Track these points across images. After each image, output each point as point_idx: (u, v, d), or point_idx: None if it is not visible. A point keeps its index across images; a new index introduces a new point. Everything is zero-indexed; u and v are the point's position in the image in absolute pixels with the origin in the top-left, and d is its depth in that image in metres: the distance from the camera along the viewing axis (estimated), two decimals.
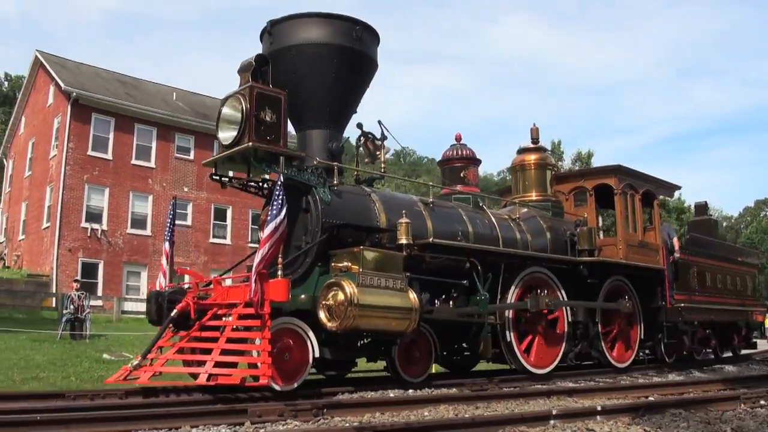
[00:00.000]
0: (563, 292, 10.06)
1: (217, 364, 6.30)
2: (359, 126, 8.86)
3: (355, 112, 8.81)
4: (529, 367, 9.31)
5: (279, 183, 6.57)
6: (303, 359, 6.84)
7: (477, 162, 10.41)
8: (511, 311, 9.22)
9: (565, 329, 9.98)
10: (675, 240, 12.48)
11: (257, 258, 6.25)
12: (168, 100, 31.47)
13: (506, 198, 11.56)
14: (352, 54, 8.16)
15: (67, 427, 4.73)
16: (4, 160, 36.63)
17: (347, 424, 5.14)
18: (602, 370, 10.45)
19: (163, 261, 7.92)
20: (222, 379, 6.25)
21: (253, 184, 8.23)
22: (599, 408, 5.84)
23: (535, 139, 11.74)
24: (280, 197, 6.47)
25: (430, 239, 8.14)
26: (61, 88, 27.38)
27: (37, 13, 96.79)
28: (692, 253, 13.10)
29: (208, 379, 6.29)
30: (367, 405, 6.03)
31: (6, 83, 53.11)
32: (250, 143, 7.11)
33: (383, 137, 8.89)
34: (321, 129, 8.20)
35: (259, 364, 6.16)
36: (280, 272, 6.39)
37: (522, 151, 11.67)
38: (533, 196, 11.21)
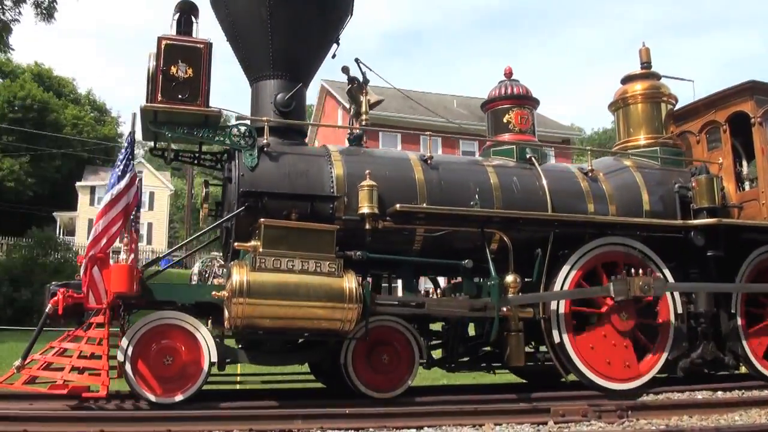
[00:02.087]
0: (667, 271, 6.97)
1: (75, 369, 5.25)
2: (344, 70, 7.11)
3: (332, 55, 7.08)
4: (597, 380, 6.56)
5: (125, 145, 5.26)
6: (194, 364, 5.44)
7: (530, 103, 7.72)
8: (563, 302, 6.58)
9: (672, 326, 6.89)
10: None
11: (89, 238, 5.04)
12: (450, 108, 31.67)
13: (600, 149, 8.53)
14: None
15: None
16: None
17: (654, 427, 5.15)
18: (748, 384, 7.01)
19: None
20: (74, 387, 5.16)
21: (208, 156, 7.01)
22: None
23: (645, 63, 8.48)
24: (122, 162, 5.16)
25: (397, 206, 6.03)
26: (349, 111, 29.02)
27: None
28: None
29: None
30: (673, 407, 5.85)
31: None
32: (141, 104, 5.92)
33: (365, 79, 7.02)
34: (269, 79, 6.64)
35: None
36: (123, 255, 5.08)
37: (626, 80, 8.46)
38: (641, 140, 8.04)
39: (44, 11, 18.85)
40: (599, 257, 6.82)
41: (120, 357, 5.26)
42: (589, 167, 7.27)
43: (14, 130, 39.02)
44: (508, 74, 7.82)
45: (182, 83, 6.08)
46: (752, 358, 7.21)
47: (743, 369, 7.44)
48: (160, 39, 6.13)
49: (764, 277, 7.32)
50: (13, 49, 21.14)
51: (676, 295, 7.01)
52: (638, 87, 8.17)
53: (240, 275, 5.22)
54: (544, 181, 6.92)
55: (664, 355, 6.89)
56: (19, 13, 18.62)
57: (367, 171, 6.15)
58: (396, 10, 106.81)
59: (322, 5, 6.65)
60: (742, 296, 7.30)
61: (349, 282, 5.49)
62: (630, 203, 7.16)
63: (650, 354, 6.89)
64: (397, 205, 6.01)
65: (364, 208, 5.99)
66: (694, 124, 8.24)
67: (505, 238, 6.51)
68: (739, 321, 7.23)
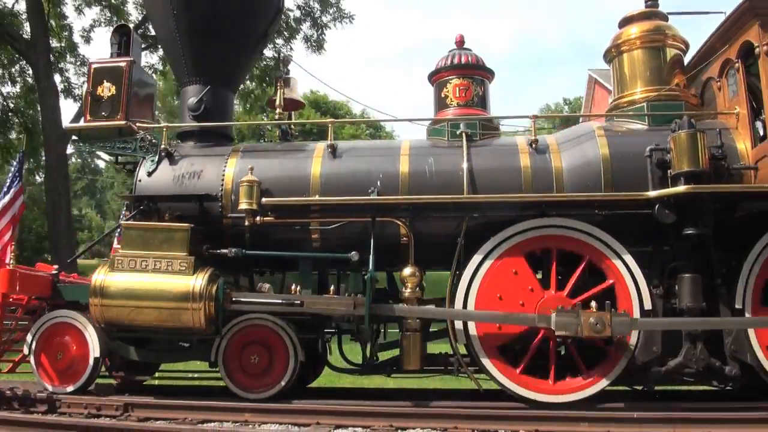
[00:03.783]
0: (628, 258, 5.61)
1: None
2: (284, 62, 7.11)
3: (259, 56, 7.09)
4: (519, 390, 5.55)
5: (17, 160, 5.96)
6: (83, 359, 5.94)
7: (479, 72, 6.70)
8: (473, 300, 5.70)
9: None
10: None
11: None
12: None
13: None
14: None
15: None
16: None
17: None
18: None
19: None
20: None
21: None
22: None
23: (649, 1, 6.83)
24: (10, 179, 5.87)
25: (263, 200, 5.82)
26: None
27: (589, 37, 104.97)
28: None
29: None
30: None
31: (566, 107, 58.23)
32: (65, 126, 6.65)
33: (284, 75, 6.90)
34: (188, 85, 6.89)
35: None
36: (10, 261, 5.78)
37: (623, 22, 6.83)
38: (636, 95, 6.49)
39: (314, 44, 21.69)
40: (526, 244, 5.74)
41: (26, 350, 6.01)
42: (533, 138, 6.14)
43: None
44: (459, 43, 6.95)
45: (106, 101, 6.66)
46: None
47: None
48: (89, 64, 6.83)
49: None
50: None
51: (642, 287, 5.58)
52: (634, 30, 6.60)
53: (97, 276, 5.61)
54: (465, 162, 6.04)
55: (622, 363, 5.54)
56: (291, 48, 21.62)
57: (250, 167, 6.07)
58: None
59: (231, 11, 6.68)
60: (756, 284, 5.52)
61: (197, 280, 5.52)
62: (586, 177, 5.86)
63: (603, 361, 5.60)
64: (263, 199, 5.83)
65: (243, 205, 5.93)
66: (714, 67, 6.42)
67: (403, 228, 5.88)
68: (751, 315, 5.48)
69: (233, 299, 5.65)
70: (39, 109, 18.77)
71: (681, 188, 5.38)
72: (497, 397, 5.62)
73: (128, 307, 5.55)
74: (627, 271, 5.62)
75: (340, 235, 6.05)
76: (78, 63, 22.06)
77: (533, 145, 6.10)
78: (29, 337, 6.01)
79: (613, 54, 6.76)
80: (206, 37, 6.71)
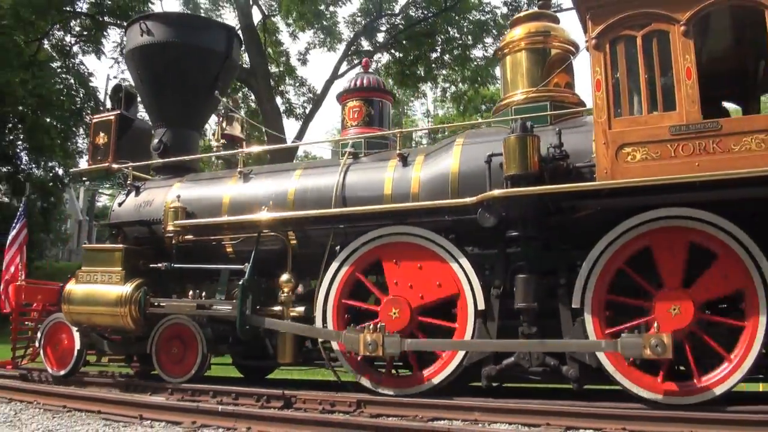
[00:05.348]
0: (464, 261, 5.93)
1: None
2: (233, 102, 8.41)
3: (214, 101, 8.34)
4: (363, 381, 6.15)
5: (22, 205, 7.96)
6: (70, 350, 7.75)
7: (377, 94, 7.25)
8: (335, 291, 6.38)
9: (469, 326, 5.84)
10: None
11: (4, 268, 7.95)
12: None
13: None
14: (146, 49, 8.15)
15: None
16: None
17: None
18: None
19: None
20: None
21: None
22: None
23: (544, 3, 6.83)
24: (18, 217, 7.88)
25: (175, 222, 7.09)
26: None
27: None
28: None
29: None
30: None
31: None
32: (71, 170, 8.63)
33: (226, 112, 8.14)
34: (156, 128, 8.47)
35: None
36: (21, 280, 7.80)
37: (512, 24, 6.91)
38: (515, 97, 6.57)
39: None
40: (378, 250, 6.27)
41: (36, 344, 8.01)
42: (397, 151, 6.61)
43: None
44: (365, 67, 7.62)
45: (101, 148, 8.53)
46: (611, 370, 5.34)
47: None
48: (91, 119, 8.77)
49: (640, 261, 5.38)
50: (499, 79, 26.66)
51: (477, 288, 5.84)
52: (518, 32, 6.71)
53: (67, 287, 7.35)
54: (340, 177, 6.74)
55: (456, 360, 5.84)
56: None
57: (177, 195, 7.41)
58: None
59: (180, 67, 8.11)
60: (597, 285, 5.47)
61: (125, 289, 6.98)
62: (438, 186, 6.22)
63: (438, 359, 5.95)
64: (174, 222, 7.11)
65: (169, 227, 7.28)
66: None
67: (284, 239, 6.77)
68: (590, 319, 5.45)
69: (151, 303, 7.03)
70: (263, 130, 21.14)
71: (496, 192, 5.57)
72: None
73: (86, 312, 7.21)
74: (463, 273, 5.90)
75: (246, 248, 7.10)
76: (297, 84, 25.01)
77: (401, 159, 6.59)
78: (39, 334, 8.01)
79: (499, 56, 6.92)
80: (162, 88, 8.25)
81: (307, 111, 24.55)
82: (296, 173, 7.12)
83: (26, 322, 8.34)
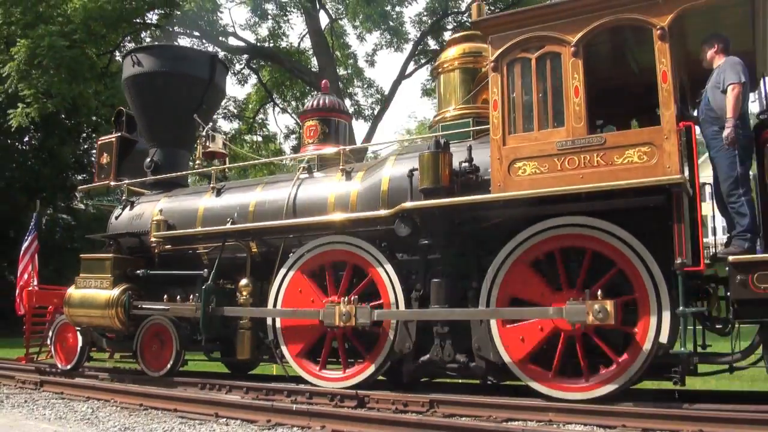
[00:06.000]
0: (389, 267, 6.51)
1: None
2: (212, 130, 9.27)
3: (197, 125, 9.16)
4: (309, 377, 6.81)
5: (34, 218, 9.06)
6: (75, 347, 8.78)
7: (335, 114, 7.92)
8: (283, 293, 7.08)
9: (390, 325, 6.42)
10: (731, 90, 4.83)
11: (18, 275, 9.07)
12: None
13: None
14: (137, 78, 9.12)
15: None
16: None
17: None
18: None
19: None
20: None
21: None
22: None
23: (473, 22, 7.21)
24: (30, 229, 8.98)
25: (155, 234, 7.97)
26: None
27: None
28: None
29: None
30: None
31: None
32: (79, 188, 9.70)
33: (208, 134, 8.96)
34: (149, 147, 9.39)
35: None
36: (33, 285, 8.90)
37: (448, 44, 7.42)
38: (446, 114, 7.09)
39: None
40: (320, 257, 6.92)
41: (48, 341, 9.09)
42: (340, 167, 7.25)
43: None
44: (324, 88, 8.29)
45: (105, 167, 9.58)
46: (512, 367, 5.80)
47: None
48: (97, 141, 9.83)
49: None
50: None
51: (398, 290, 6.40)
52: (452, 52, 7.23)
53: (68, 292, 8.37)
54: (293, 191, 7.43)
55: (380, 358, 6.42)
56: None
57: (159, 209, 8.30)
58: None
59: (165, 94, 9.02)
60: (501, 287, 5.93)
61: (112, 293, 7.92)
62: (371, 198, 6.82)
63: (366, 356, 6.54)
64: (154, 234, 7.98)
65: (152, 238, 8.17)
66: None
67: (244, 247, 7.52)
68: (494, 323, 5.93)
69: (134, 305, 7.94)
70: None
71: (407, 205, 6.12)
72: None
73: (83, 314, 8.20)
74: (387, 277, 6.47)
75: (213, 257, 7.87)
76: (365, 86, 25.74)
77: (344, 173, 7.22)
78: (50, 332, 9.10)
79: (434, 75, 7.43)
80: (152, 112, 9.19)
81: (376, 112, 25.17)
82: (258, 187, 7.87)
83: (39, 323, 9.52)
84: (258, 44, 23.34)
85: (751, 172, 5.39)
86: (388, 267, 6.49)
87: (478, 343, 6.00)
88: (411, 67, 23.21)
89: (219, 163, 9.02)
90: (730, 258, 4.96)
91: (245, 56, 23.84)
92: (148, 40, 21.39)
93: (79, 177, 25.61)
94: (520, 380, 5.83)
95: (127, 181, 9.11)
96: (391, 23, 21.96)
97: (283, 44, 24.02)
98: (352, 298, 6.47)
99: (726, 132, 5.00)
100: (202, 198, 8.28)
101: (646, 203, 5.24)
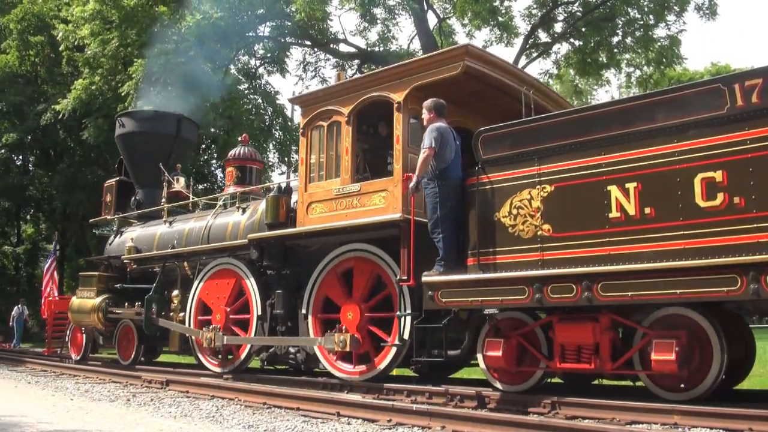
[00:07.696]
0: (252, 281, 8.73)
1: None
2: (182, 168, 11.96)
3: (174, 169, 11.80)
4: (207, 364, 9.16)
5: (54, 241, 12.17)
6: (81, 343, 11.74)
7: (250, 162, 10.34)
8: (194, 302, 9.49)
9: (254, 325, 8.64)
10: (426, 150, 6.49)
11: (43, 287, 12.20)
12: None
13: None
14: (122, 136, 12.01)
15: None
16: None
17: None
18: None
19: None
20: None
21: None
22: None
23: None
24: (52, 252, 12.08)
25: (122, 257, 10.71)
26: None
27: None
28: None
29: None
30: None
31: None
32: (90, 220, 12.74)
33: (176, 172, 11.57)
34: (136, 188, 12.19)
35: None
36: (55, 293, 11.99)
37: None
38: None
39: (706, 11, 20.52)
40: (217, 273, 9.25)
41: (67, 339, 12.15)
42: (237, 204, 9.54)
43: None
44: (244, 141, 10.66)
45: (108, 204, 12.54)
46: (320, 357, 7.81)
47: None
48: (104, 184, 12.85)
49: (343, 280, 7.77)
50: (685, 59, 22.91)
51: (257, 298, 8.56)
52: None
53: (72, 300, 11.34)
54: (211, 221, 9.82)
55: (246, 350, 8.64)
56: (684, 22, 20.76)
57: (131, 237, 11.03)
58: None
59: (143, 149, 11.81)
60: (315, 297, 7.94)
61: (94, 301, 10.74)
62: (251, 229, 9.04)
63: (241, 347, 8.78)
64: (123, 255, 10.70)
65: (125, 260, 10.91)
66: None
67: (177, 266, 10.01)
68: (311, 321, 7.95)
69: (110, 311, 10.71)
70: None
71: (251, 235, 8.36)
72: None
73: (79, 318, 11.11)
74: (252, 288, 8.68)
75: (169, 273, 10.44)
76: None
77: (241, 210, 9.50)
78: (67, 333, 12.16)
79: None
80: (135, 161, 12.02)
81: None
82: (193, 218, 10.35)
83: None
84: (368, 49, 23.10)
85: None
86: (252, 280, 8.69)
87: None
88: (523, 61, 22.63)
89: (182, 200, 11.62)
90: (423, 278, 6.57)
91: (356, 62, 23.69)
92: (261, 52, 22.32)
93: (200, 186, 26.26)
94: (324, 369, 7.80)
95: (118, 216, 12.02)
96: (500, 18, 21.59)
97: (393, 47, 23.59)
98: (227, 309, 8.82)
99: (410, 184, 6.59)
100: (159, 228, 10.91)
101: (387, 234, 7.06)
